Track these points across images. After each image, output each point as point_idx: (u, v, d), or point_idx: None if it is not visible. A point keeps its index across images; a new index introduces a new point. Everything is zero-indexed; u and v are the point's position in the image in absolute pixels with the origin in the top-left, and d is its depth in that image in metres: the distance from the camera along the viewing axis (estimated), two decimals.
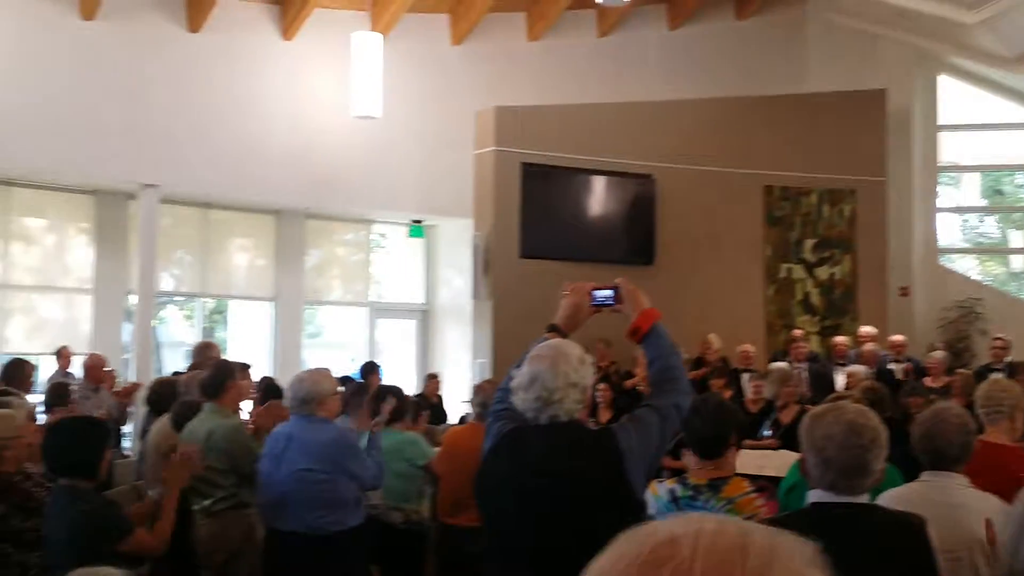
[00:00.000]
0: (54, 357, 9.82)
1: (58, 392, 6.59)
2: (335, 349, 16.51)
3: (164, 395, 5.89)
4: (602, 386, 8.44)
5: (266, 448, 4.88)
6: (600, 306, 3.04)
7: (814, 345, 11.62)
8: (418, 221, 13.89)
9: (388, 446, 5.29)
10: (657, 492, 3.39)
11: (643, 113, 12.19)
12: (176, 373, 7.53)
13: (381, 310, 14.40)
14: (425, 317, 14.48)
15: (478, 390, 6.16)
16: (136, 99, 10.88)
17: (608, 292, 3.02)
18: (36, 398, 7.28)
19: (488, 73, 13.03)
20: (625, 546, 0.90)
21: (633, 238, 11.90)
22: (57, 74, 10.48)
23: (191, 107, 11.25)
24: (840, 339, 11.05)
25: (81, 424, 4.10)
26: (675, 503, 3.32)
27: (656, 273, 11.40)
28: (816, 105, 12.84)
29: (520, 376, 2.75)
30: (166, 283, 12.43)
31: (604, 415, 8.13)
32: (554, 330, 2.96)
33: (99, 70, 10.73)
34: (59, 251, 11.70)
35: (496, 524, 2.81)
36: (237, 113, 11.57)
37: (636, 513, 2.71)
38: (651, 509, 3.40)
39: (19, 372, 6.84)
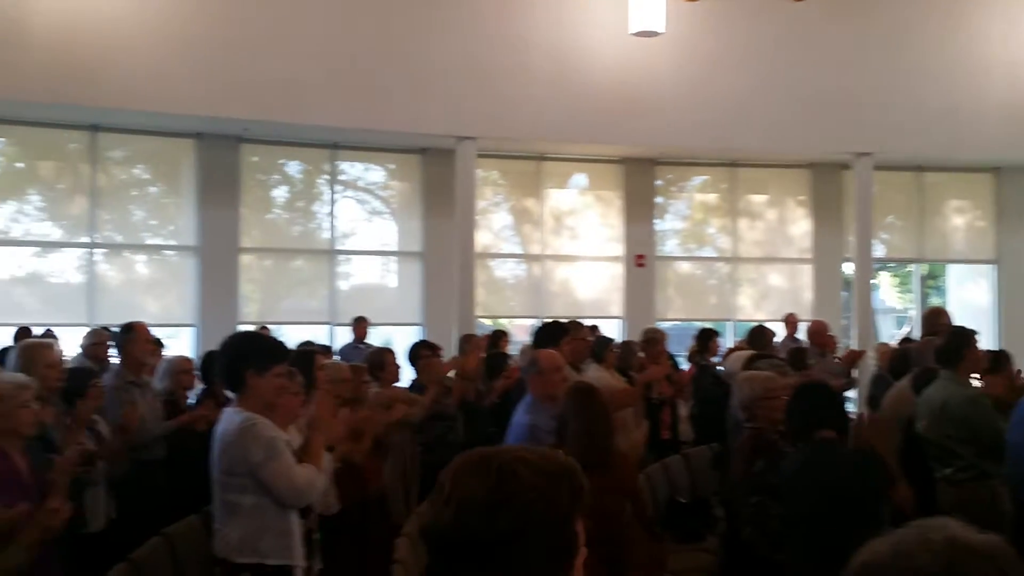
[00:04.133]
0: (781, 324, 10.62)
1: (797, 357, 7.19)
2: None
3: (899, 362, 6.04)
4: None
5: (1014, 418, 4.73)
6: None
7: None
8: None
9: None
10: None
11: None
12: (906, 340, 7.61)
13: None
14: None
15: None
16: (848, 70, 11.07)
17: None
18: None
19: None
20: None
21: None
22: (771, 56, 11.11)
23: (905, 71, 11.11)
24: None
25: (812, 387, 4.41)
26: None
27: None
28: None
29: None
30: (878, 250, 12.53)
31: None
32: None
33: (812, 47, 11.12)
34: (780, 224, 12.56)
35: None
36: (951, 70, 11.13)
37: None
38: None
39: (761, 338, 7.61)
